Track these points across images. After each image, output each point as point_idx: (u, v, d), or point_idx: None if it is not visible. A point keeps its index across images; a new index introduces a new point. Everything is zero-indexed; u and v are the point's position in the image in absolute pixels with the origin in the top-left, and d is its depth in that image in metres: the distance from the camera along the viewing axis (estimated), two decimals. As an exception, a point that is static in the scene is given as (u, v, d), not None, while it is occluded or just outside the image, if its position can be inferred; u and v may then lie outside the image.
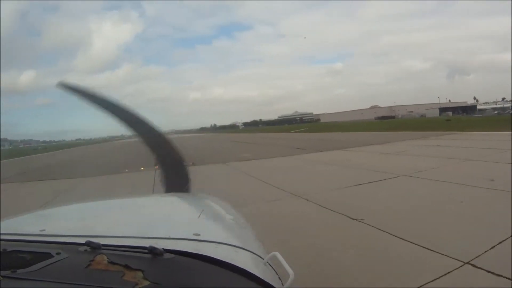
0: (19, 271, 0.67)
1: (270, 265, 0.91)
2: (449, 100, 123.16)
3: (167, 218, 1.34)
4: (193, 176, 1.80)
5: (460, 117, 57.37)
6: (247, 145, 24.39)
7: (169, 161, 1.84)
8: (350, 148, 15.09)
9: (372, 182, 7.19)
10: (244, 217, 1.42)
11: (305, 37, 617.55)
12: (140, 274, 0.67)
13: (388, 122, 51.61)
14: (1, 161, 25.19)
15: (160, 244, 0.78)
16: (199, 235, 0.96)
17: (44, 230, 1.02)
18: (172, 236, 0.95)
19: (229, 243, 0.95)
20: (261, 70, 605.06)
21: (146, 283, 0.65)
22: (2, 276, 0.64)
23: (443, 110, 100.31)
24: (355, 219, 4.61)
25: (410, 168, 8.40)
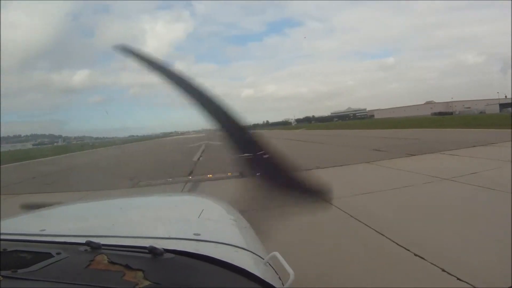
0: (19, 271, 0.68)
1: (270, 265, 0.90)
2: (505, 96, 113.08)
3: (167, 218, 1.35)
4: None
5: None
6: (307, 145, 20.05)
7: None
8: (449, 150, 10.42)
9: None
10: (244, 217, 1.41)
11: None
12: (140, 274, 0.67)
13: (450, 119, 47.13)
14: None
15: (160, 244, 0.78)
16: (199, 235, 0.96)
17: (44, 230, 1.03)
18: (172, 236, 0.96)
19: (229, 243, 0.95)
20: (312, 66, 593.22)
21: (146, 283, 0.65)
22: (2, 276, 0.65)
23: (503, 106, 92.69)
24: None
25: None
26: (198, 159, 15.16)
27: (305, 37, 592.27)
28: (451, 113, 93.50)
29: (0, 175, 12.85)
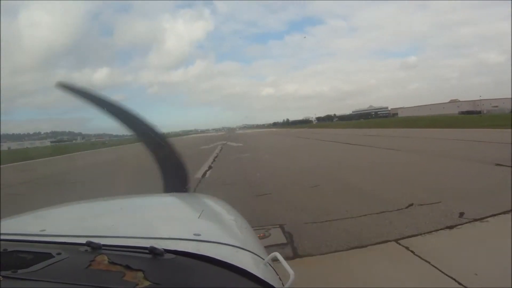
0: (19, 271, 0.68)
1: (271, 265, 0.90)
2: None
3: (168, 218, 1.34)
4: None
5: None
6: (363, 151, 13.56)
7: (169, 162, 1.85)
8: None
9: None
10: (244, 217, 1.41)
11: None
12: (140, 274, 0.68)
13: (486, 118, 41.52)
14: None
15: (161, 244, 0.78)
16: (199, 235, 0.95)
17: (44, 230, 1.02)
18: (172, 236, 0.95)
19: (230, 243, 0.95)
20: (333, 65, 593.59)
21: (147, 283, 0.65)
22: (2, 276, 0.65)
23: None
24: None
25: None
26: (204, 174, 9.42)
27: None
28: (479, 112, 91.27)
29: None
